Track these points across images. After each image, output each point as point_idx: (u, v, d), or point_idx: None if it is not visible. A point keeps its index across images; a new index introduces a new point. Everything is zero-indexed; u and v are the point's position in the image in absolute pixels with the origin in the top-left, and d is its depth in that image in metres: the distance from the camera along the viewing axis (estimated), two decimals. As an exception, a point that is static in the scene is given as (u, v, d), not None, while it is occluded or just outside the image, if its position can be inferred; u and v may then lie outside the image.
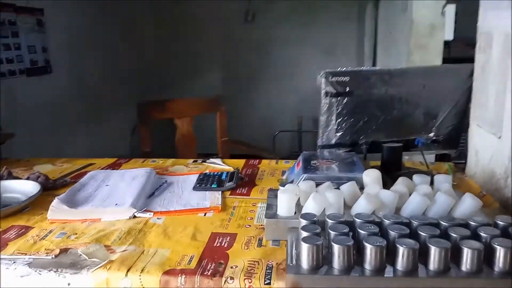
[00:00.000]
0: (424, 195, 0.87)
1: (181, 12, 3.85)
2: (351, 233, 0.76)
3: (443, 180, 0.97)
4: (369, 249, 0.70)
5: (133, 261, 0.80)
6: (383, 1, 2.81)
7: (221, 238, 0.89)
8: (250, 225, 0.95)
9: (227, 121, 2.17)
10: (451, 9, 1.96)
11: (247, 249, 0.84)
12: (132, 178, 1.20)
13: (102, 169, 1.37)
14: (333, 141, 1.19)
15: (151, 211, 1.02)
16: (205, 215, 1.01)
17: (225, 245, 0.86)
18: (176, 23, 3.89)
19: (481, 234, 0.73)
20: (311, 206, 0.86)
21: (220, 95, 2.25)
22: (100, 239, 0.89)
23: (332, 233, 0.75)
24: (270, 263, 0.79)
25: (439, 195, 0.87)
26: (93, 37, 3.02)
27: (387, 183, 0.99)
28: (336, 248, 0.70)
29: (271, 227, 0.88)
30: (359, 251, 0.72)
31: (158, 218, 0.99)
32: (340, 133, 1.18)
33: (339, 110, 1.16)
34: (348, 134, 1.19)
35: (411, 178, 1.00)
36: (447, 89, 1.18)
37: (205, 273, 0.75)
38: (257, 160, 1.42)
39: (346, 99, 1.15)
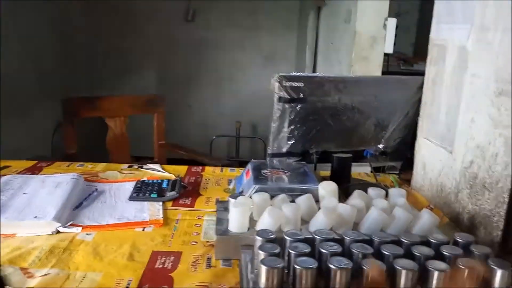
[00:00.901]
0: (382, 210, 0.83)
1: (119, 7, 3.61)
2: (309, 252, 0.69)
3: (398, 194, 0.94)
4: (334, 272, 0.64)
5: (57, 287, 0.66)
6: (325, 11, 2.85)
7: (163, 258, 0.77)
8: (196, 242, 0.85)
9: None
10: (391, 22, 2.02)
11: (194, 270, 0.74)
12: (55, 185, 1.03)
13: (19, 173, 1.18)
14: (284, 149, 1.13)
15: (79, 225, 0.87)
16: (143, 230, 0.89)
17: (169, 267, 0.75)
18: (112, 18, 3.63)
19: (445, 253, 0.70)
20: (266, 222, 0.79)
21: (158, 95, 2.09)
22: (15, 260, 0.74)
23: (293, 253, 0.68)
24: (222, 288, 0.69)
25: (397, 211, 0.84)
26: (16, 26, 2.70)
27: (338, 195, 0.95)
28: (299, 271, 0.63)
29: (222, 245, 0.78)
30: (321, 272, 0.66)
31: (87, 234, 0.85)
32: (291, 141, 1.12)
33: (292, 117, 1.10)
34: (299, 143, 1.13)
35: (362, 190, 0.97)
36: (398, 101, 1.17)
37: (146, 303, 0.64)
38: (200, 167, 1.31)
39: (299, 105, 1.09)
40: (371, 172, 1.34)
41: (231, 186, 1.15)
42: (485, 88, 0.87)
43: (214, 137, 3.68)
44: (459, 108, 0.97)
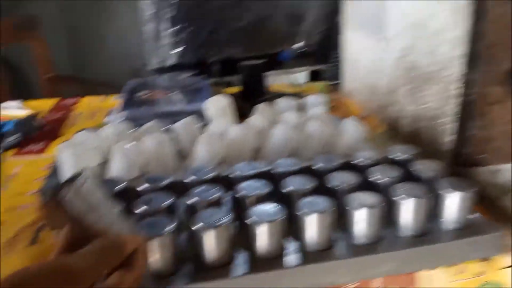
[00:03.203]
0: (292, 127, 0.59)
1: None
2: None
3: (315, 103, 0.71)
4: (201, 236, 0.40)
5: None
6: None
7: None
8: (29, 205, 0.57)
9: (52, 52, 1.62)
10: None
11: (9, 252, 0.48)
12: None
13: None
14: (169, 61, 0.83)
15: None
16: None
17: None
18: None
19: (377, 180, 0.47)
20: (118, 166, 0.52)
21: (29, 15, 1.64)
22: None
23: (140, 212, 0.43)
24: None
25: (312, 125, 0.60)
26: None
27: (247, 114, 0.70)
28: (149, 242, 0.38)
29: (51, 208, 0.52)
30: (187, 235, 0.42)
31: None
32: (178, 49, 0.83)
33: (172, 13, 0.79)
34: (191, 50, 0.84)
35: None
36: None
37: None
38: (75, 99, 1.00)
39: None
40: (293, 80, 1.09)
41: (107, 119, 0.86)
42: None
43: (140, 67, 3.25)
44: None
